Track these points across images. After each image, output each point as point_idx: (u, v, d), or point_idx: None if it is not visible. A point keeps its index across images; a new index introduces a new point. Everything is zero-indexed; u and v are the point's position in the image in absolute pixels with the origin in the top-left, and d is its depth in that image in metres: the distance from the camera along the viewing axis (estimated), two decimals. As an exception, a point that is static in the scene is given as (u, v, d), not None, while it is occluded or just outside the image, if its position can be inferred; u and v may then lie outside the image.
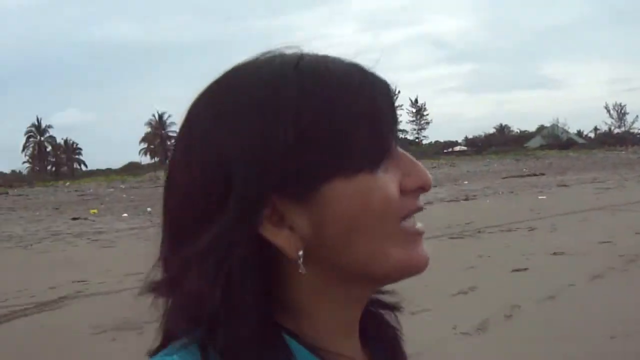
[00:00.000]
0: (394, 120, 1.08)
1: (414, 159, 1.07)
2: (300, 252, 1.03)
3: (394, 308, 1.30)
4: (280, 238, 1.02)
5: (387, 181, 1.03)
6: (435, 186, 41.17)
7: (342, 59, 1.09)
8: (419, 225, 1.08)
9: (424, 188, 1.06)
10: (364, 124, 1.02)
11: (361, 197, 1.01)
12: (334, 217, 1.02)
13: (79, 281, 13.42)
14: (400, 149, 1.07)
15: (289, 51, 1.11)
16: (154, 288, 1.08)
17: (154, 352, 1.07)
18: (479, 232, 17.94)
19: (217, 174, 0.99)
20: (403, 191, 1.04)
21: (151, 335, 1.12)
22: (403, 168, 1.05)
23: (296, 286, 1.07)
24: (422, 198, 1.06)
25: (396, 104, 1.11)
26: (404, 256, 1.05)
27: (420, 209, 1.07)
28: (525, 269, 12.34)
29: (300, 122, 1.00)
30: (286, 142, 0.98)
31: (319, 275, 1.06)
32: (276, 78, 1.03)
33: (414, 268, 1.07)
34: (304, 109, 1.01)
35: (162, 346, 1.07)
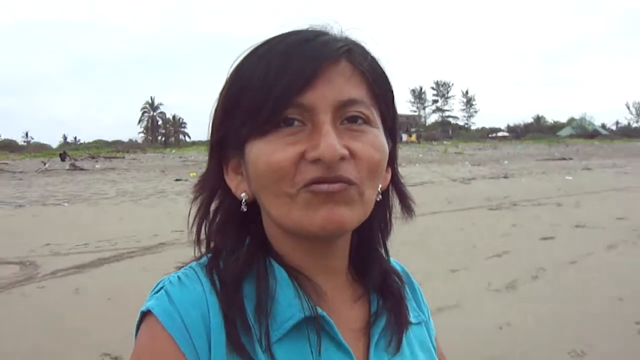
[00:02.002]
0: (292, 92, 1.03)
1: (326, 134, 1.02)
2: (243, 194, 1.14)
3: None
4: (233, 181, 1.15)
5: (274, 149, 1.03)
6: (479, 165, 41.16)
7: (307, 36, 1.09)
8: (326, 188, 1.03)
9: (320, 159, 1.01)
10: (248, 101, 1.06)
11: (255, 160, 1.06)
12: (250, 175, 1.10)
13: (177, 231, 13.55)
14: (326, 125, 1.03)
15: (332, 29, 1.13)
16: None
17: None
18: (514, 205, 17.67)
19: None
20: (305, 160, 1.03)
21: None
22: (313, 141, 1.01)
23: (268, 229, 1.16)
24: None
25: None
26: (301, 217, 1.04)
27: (320, 178, 1.02)
28: (552, 238, 12.19)
29: (221, 97, 1.14)
30: (219, 113, 1.15)
31: (269, 221, 1.15)
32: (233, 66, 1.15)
33: (312, 227, 1.05)
34: (225, 86, 1.13)
35: None
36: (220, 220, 1.19)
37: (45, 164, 51.30)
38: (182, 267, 1.15)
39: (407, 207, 1.25)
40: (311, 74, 1.02)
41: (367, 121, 1.08)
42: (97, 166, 49.44)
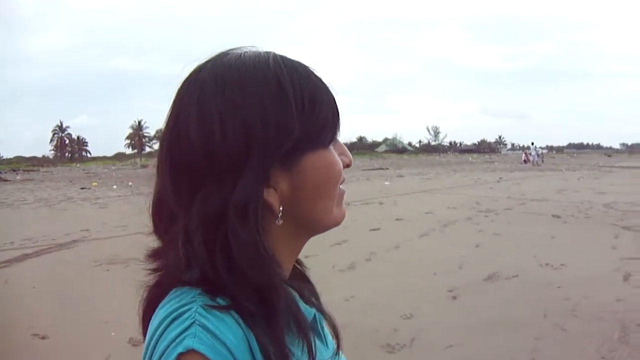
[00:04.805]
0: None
1: (342, 144, 0.98)
2: (281, 208, 0.89)
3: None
4: (270, 196, 0.87)
5: (337, 156, 0.95)
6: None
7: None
8: (343, 188, 0.98)
9: (349, 165, 0.99)
10: (331, 114, 0.93)
11: (328, 167, 0.92)
12: (307, 182, 0.90)
13: (84, 230, 12.97)
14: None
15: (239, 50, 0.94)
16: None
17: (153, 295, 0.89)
18: (348, 204, 17.08)
19: (239, 137, 0.84)
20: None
21: (133, 268, 0.93)
22: (339, 149, 0.97)
23: (272, 238, 0.90)
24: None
25: None
26: (338, 212, 0.97)
27: (343, 178, 0.98)
28: (379, 229, 12.37)
29: (301, 113, 0.88)
30: (292, 127, 0.87)
31: (289, 227, 0.92)
32: (275, 71, 0.89)
33: (340, 221, 0.98)
34: (303, 102, 0.89)
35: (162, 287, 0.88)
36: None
37: (-27, 177, 48.88)
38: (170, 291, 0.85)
39: None
40: None
41: None
42: (17, 177, 47.20)
